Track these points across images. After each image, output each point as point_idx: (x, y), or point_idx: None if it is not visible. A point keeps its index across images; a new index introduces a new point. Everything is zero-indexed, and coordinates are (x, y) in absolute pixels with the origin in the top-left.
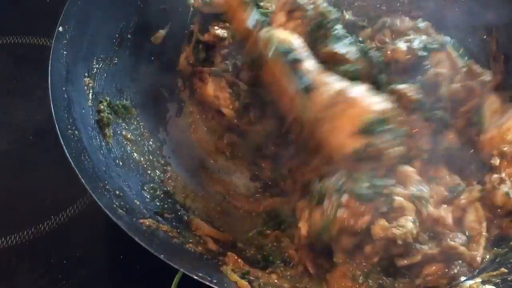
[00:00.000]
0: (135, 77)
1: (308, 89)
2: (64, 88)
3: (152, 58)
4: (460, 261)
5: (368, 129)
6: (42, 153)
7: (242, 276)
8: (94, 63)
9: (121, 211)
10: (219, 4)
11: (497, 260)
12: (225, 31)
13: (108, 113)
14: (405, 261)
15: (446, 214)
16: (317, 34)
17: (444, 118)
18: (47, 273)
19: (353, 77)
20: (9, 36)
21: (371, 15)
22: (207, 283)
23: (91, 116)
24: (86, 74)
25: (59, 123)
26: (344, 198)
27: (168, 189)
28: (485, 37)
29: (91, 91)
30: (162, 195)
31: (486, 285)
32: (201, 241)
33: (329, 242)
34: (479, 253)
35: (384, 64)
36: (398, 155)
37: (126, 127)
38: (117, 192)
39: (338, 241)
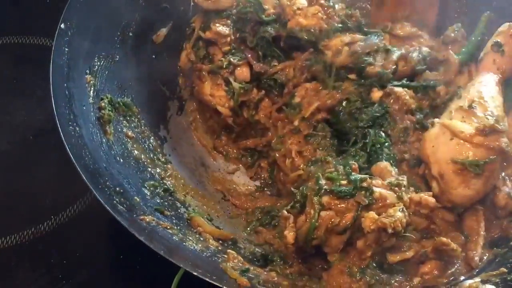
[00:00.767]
0: (136, 75)
1: None
2: (65, 85)
3: (154, 56)
4: (457, 261)
5: None
6: (42, 153)
7: (242, 274)
8: (96, 60)
9: (121, 207)
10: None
11: (496, 260)
12: (226, 28)
13: (109, 110)
14: (397, 257)
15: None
16: None
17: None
18: (47, 273)
19: None
20: (9, 36)
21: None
22: (207, 279)
23: (92, 113)
24: (87, 71)
25: (60, 120)
26: (325, 199)
27: (168, 186)
28: None
29: (92, 88)
30: (162, 192)
31: (486, 285)
32: (201, 238)
33: (319, 244)
34: (477, 253)
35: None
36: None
37: (127, 124)
38: (117, 189)
39: (327, 241)
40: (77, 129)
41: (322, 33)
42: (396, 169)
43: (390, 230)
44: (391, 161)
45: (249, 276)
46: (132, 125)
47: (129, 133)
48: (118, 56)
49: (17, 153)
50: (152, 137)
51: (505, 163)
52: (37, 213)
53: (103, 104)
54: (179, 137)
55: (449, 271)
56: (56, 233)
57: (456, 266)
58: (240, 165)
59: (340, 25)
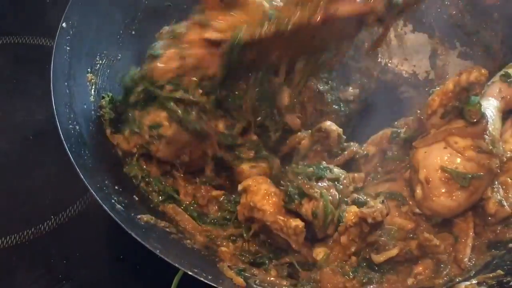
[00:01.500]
0: None
1: None
2: (66, 83)
3: None
4: (443, 256)
5: None
6: (42, 153)
7: (239, 273)
8: (98, 59)
9: (119, 206)
10: None
11: (494, 262)
12: None
13: (110, 109)
14: (383, 256)
15: None
16: None
17: None
18: (47, 273)
19: None
20: (9, 36)
21: None
22: (202, 279)
23: (92, 112)
24: (89, 69)
25: (60, 118)
26: None
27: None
28: None
29: (93, 87)
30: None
31: (482, 287)
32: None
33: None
34: (466, 254)
35: None
36: None
37: None
38: (116, 188)
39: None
40: (77, 127)
41: None
42: None
43: (370, 220)
44: None
45: (246, 275)
46: None
47: None
48: (120, 55)
49: (17, 153)
50: None
51: (499, 170)
52: (37, 213)
53: (104, 102)
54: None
55: (444, 272)
56: (56, 233)
57: (448, 267)
58: None
59: None
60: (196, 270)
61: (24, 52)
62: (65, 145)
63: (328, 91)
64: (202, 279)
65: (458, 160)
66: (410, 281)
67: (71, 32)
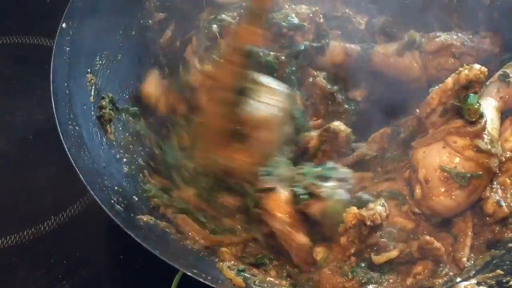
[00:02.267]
0: (139, 74)
1: None
2: (66, 84)
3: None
4: (443, 259)
5: None
6: (42, 153)
7: (238, 273)
8: (98, 59)
9: (118, 206)
10: None
11: (493, 261)
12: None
13: (110, 110)
14: (383, 258)
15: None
16: None
17: None
18: (47, 273)
19: None
20: (9, 36)
21: None
22: (202, 280)
23: (92, 112)
24: (89, 70)
25: (60, 118)
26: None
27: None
28: None
29: (93, 87)
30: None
31: (481, 287)
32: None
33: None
34: (465, 254)
35: None
36: None
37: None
38: (116, 188)
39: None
40: (77, 128)
41: None
42: None
43: (368, 223)
44: None
45: (245, 276)
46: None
47: None
48: (120, 55)
49: (17, 153)
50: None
51: (497, 170)
52: (37, 213)
53: (104, 103)
54: None
55: (443, 272)
56: (56, 233)
57: (447, 267)
58: None
59: None
60: (195, 271)
61: (24, 52)
62: (65, 145)
63: (337, 91)
64: (201, 279)
65: (457, 159)
66: (409, 281)
67: (71, 32)
